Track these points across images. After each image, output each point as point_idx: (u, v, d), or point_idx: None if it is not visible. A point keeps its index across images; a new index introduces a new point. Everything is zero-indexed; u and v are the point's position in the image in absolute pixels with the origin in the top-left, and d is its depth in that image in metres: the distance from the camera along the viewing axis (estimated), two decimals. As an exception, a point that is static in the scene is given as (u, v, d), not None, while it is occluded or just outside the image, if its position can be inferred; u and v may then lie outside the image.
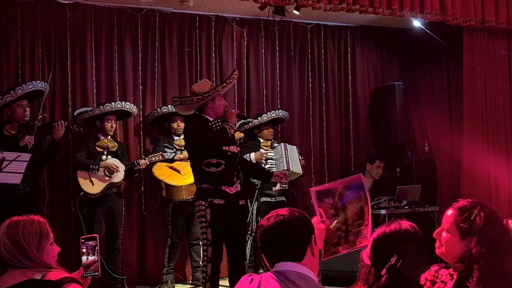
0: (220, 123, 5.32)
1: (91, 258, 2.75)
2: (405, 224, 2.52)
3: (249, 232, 6.92)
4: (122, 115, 6.94)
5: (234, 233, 5.36)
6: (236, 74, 5.56)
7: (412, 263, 2.41)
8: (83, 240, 2.80)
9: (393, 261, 2.37)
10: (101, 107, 6.66)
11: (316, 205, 2.78)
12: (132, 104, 6.96)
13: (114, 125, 6.76)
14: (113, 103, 6.71)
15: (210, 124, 5.33)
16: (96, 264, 2.76)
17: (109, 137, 6.75)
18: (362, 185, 2.86)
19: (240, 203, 5.35)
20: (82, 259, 2.76)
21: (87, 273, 2.75)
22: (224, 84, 5.45)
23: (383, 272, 2.39)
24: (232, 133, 5.32)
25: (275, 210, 2.55)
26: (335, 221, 2.78)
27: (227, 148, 5.29)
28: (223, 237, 5.29)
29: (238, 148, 5.44)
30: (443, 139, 8.35)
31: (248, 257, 5.76)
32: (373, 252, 2.50)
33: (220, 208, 5.21)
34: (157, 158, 6.81)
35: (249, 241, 6.94)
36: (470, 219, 2.65)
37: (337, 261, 6.10)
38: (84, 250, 2.77)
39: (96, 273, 2.75)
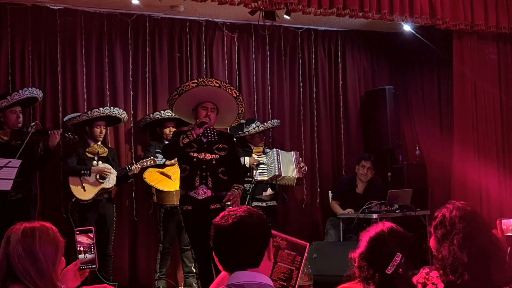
0: (188, 132, 5.50)
1: (89, 256, 2.73)
2: (397, 226, 2.55)
3: None
4: (112, 121, 6.91)
5: (206, 237, 5.38)
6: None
7: (408, 264, 2.43)
8: (78, 232, 2.77)
9: (398, 260, 2.39)
10: (89, 112, 6.64)
11: None
12: (122, 110, 6.92)
13: (103, 131, 6.73)
14: (101, 109, 6.68)
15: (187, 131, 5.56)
16: (93, 259, 2.74)
17: (99, 143, 6.73)
18: (303, 251, 2.76)
19: (212, 207, 5.39)
20: (79, 257, 2.73)
21: (85, 266, 2.73)
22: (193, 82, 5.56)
23: (389, 270, 2.39)
24: (185, 142, 5.42)
25: (230, 209, 2.37)
26: None
27: (195, 154, 5.47)
28: (197, 240, 5.43)
29: (216, 155, 5.54)
30: (434, 143, 8.37)
31: None
32: (371, 250, 2.49)
33: (188, 214, 5.46)
34: (148, 163, 6.79)
35: None
36: (435, 220, 2.87)
37: (329, 265, 6.12)
38: (81, 249, 2.74)
39: (94, 266, 2.74)
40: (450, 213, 2.77)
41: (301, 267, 2.71)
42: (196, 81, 5.58)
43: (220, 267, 2.36)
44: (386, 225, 2.54)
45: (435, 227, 2.80)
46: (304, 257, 2.72)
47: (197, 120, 5.51)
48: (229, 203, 5.36)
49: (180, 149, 5.47)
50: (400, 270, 2.40)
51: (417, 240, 6.30)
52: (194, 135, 5.42)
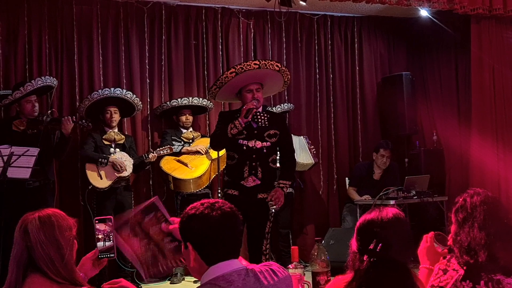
0: (236, 121, 5.12)
1: (107, 243, 2.73)
2: (387, 210, 2.53)
3: None
4: (127, 110, 6.92)
5: (250, 225, 5.15)
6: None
7: (395, 247, 2.39)
8: (97, 221, 2.77)
9: (372, 246, 2.38)
10: (89, 96, 6.67)
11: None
12: (125, 90, 6.85)
13: (114, 115, 6.72)
14: (100, 91, 6.68)
15: (235, 115, 5.22)
16: (112, 247, 2.74)
17: (116, 130, 6.76)
18: (155, 206, 2.74)
19: (259, 196, 5.11)
20: (98, 245, 2.74)
21: (103, 255, 2.74)
22: (232, 69, 5.15)
23: (365, 257, 2.38)
24: (233, 133, 5.06)
25: (205, 200, 2.36)
26: (140, 244, 2.73)
27: (244, 141, 5.12)
28: None
29: (267, 143, 5.15)
30: (451, 129, 8.31)
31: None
32: (357, 239, 2.50)
33: (232, 198, 5.07)
34: (165, 151, 6.81)
35: None
36: (455, 205, 2.82)
37: (346, 251, 6.11)
38: (100, 236, 2.74)
39: (112, 255, 2.74)
40: (472, 197, 2.76)
41: (167, 217, 2.71)
42: (234, 69, 5.11)
43: (198, 260, 2.29)
44: (374, 211, 2.54)
45: (456, 211, 2.78)
46: (162, 208, 2.74)
47: (243, 109, 5.10)
48: (271, 202, 5.07)
49: (229, 140, 5.14)
50: (376, 256, 2.36)
51: (434, 226, 6.27)
52: (243, 124, 5.06)
